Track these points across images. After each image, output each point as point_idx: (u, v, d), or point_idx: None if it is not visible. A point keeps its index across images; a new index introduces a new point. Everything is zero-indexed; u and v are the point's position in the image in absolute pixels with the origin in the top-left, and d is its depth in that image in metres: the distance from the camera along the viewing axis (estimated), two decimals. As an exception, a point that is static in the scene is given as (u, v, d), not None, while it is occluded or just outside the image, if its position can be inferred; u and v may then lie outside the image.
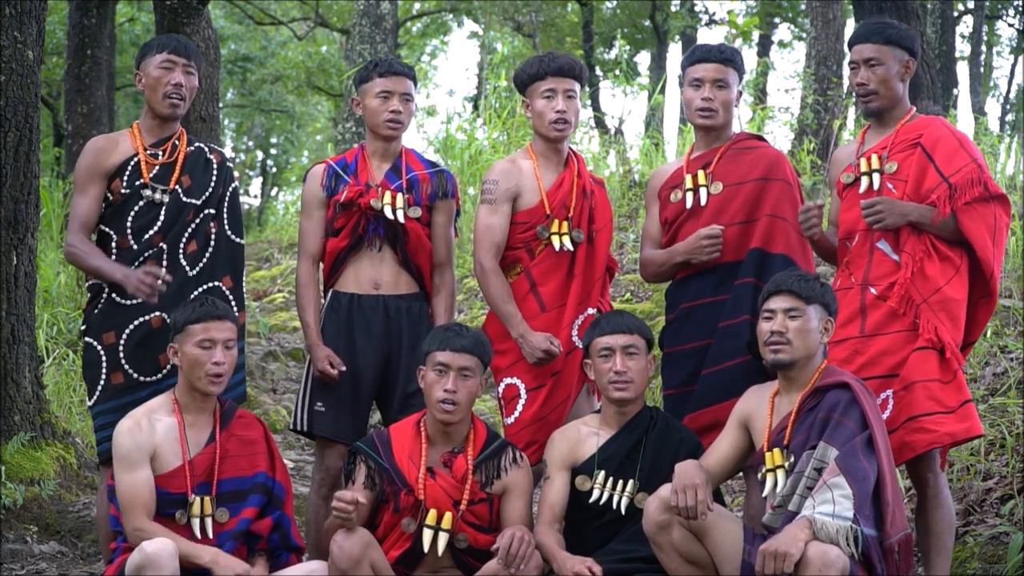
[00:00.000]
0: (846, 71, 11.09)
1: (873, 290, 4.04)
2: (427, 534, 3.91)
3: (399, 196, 4.41)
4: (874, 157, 4.14)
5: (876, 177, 4.11)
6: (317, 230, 4.46)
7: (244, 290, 4.48)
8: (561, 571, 3.80)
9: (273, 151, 28.10)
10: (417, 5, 23.36)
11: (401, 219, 4.39)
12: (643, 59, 24.45)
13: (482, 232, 4.38)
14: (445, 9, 22.02)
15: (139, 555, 3.67)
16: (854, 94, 4.25)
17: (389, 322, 4.40)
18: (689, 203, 4.34)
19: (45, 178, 10.13)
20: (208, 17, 6.88)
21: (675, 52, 23.35)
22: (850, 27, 15.58)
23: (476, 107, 13.90)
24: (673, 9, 20.79)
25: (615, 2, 22.11)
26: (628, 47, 22.48)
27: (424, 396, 4.04)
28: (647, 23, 21.27)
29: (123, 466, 3.85)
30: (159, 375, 4.25)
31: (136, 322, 4.26)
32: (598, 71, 20.55)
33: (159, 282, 4.11)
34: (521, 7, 19.88)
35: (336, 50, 21.56)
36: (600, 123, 14.29)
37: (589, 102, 16.07)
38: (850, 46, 4.23)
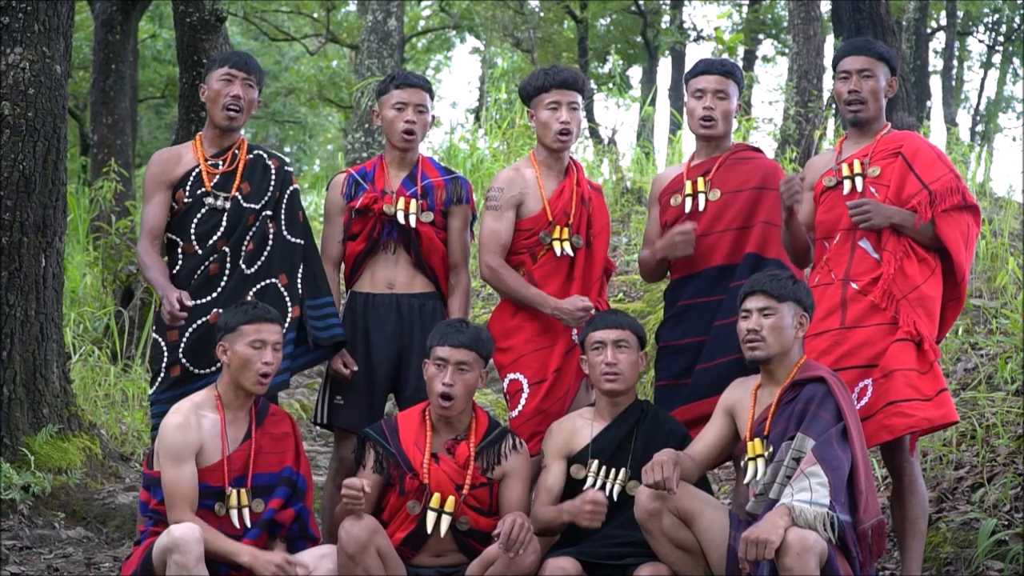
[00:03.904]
0: (827, 84, 11.12)
1: (854, 285, 4.05)
2: (431, 516, 3.92)
3: (413, 202, 4.40)
4: (856, 163, 4.15)
5: (859, 181, 4.12)
6: (337, 235, 4.47)
7: (299, 286, 4.42)
8: (574, 513, 3.81)
9: (286, 160, 28.10)
10: (422, 22, 23.38)
11: (413, 224, 4.39)
12: (635, 73, 24.50)
13: (488, 236, 4.38)
14: (448, 26, 22.02)
15: (166, 538, 3.67)
16: (842, 102, 4.20)
17: (401, 320, 4.40)
18: (688, 208, 4.35)
19: (72, 185, 10.15)
20: (225, 34, 6.88)
21: (665, 66, 23.36)
22: (830, 43, 15.59)
23: (478, 118, 13.90)
24: (663, 26, 20.80)
25: (609, 19, 22.13)
26: (621, 62, 22.51)
27: (427, 388, 4.05)
28: (639, 39, 21.29)
29: (169, 460, 3.81)
30: (213, 368, 4.26)
31: (198, 322, 4.27)
32: (593, 84, 20.56)
33: (180, 312, 4.12)
34: (520, 24, 19.89)
35: (346, 64, 21.56)
36: (594, 133, 14.29)
37: (584, 113, 16.07)
38: (842, 57, 4.22)
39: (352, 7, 21.35)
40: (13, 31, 5.18)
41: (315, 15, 20.55)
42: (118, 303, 7.60)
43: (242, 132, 4.53)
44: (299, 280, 4.40)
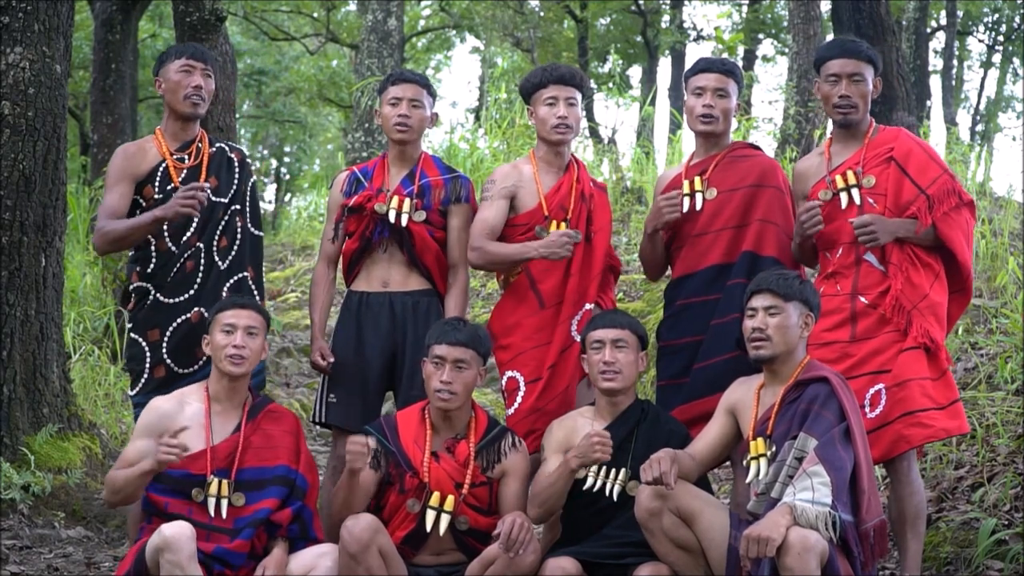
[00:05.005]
0: (826, 84, 11.10)
1: (863, 299, 4.05)
2: (430, 515, 3.92)
3: (407, 201, 4.41)
4: (849, 173, 4.13)
5: (856, 192, 4.11)
6: (332, 233, 4.49)
7: (263, 281, 4.52)
8: (581, 449, 3.81)
9: (287, 159, 28.09)
10: (422, 22, 23.37)
11: (404, 223, 4.39)
12: (635, 73, 24.49)
13: (477, 223, 4.40)
14: (448, 25, 22.02)
15: (157, 537, 3.67)
16: (830, 105, 4.18)
17: (395, 318, 4.40)
18: (686, 207, 4.34)
19: (72, 185, 10.13)
20: (225, 33, 6.87)
21: (665, 66, 23.37)
22: (830, 43, 15.53)
23: (478, 118, 13.90)
24: (663, 26, 20.80)
25: (609, 19, 22.12)
26: (621, 61, 22.50)
27: (425, 386, 4.05)
28: (639, 39, 21.29)
29: (136, 433, 3.94)
30: (196, 367, 4.29)
31: (179, 320, 4.31)
32: (593, 84, 20.55)
33: (201, 193, 4.11)
34: (520, 24, 19.89)
35: (346, 64, 21.55)
36: (594, 133, 14.29)
37: (584, 113, 16.07)
38: (828, 59, 4.19)
39: (352, 7, 21.34)
40: (13, 31, 5.18)
41: (315, 15, 20.55)
42: (118, 303, 7.60)
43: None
44: (262, 274, 4.48)
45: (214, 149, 4.48)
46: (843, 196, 4.13)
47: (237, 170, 4.48)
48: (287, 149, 27.65)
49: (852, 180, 4.12)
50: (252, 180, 4.55)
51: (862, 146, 4.16)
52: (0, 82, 5.16)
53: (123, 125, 11.06)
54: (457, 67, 50.47)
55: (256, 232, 4.51)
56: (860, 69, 4.14)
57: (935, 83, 21.48)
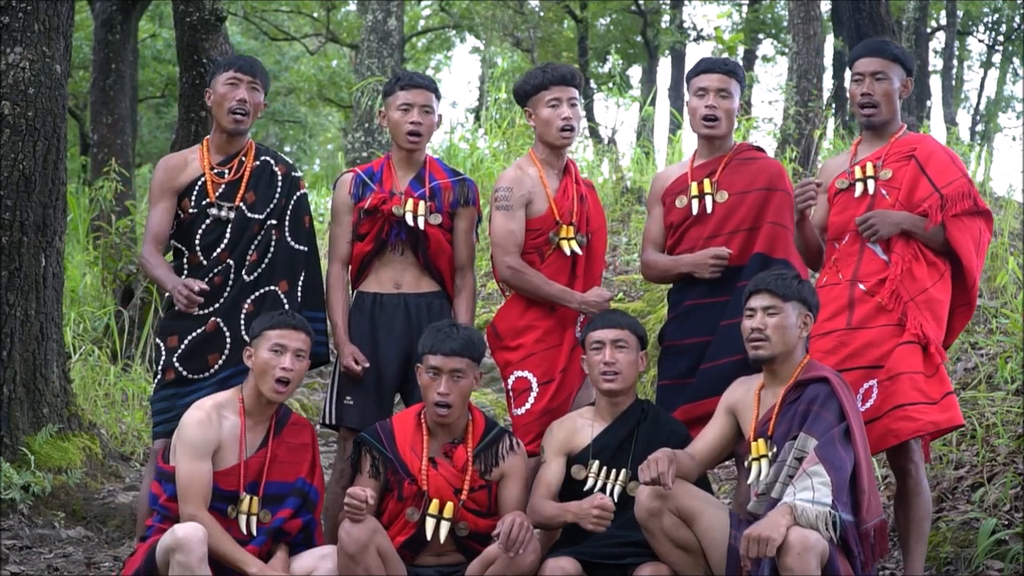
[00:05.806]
0: (826, 84, 11.12)
1: (862, 286, 4.05)
2: (430, 523, 3.91)
3: (421, 203, 4.37)
4: (869, 165, 4.15)
5: (871, 183, 4.12)
6: (346, 235, 4.43)
7: (299, 295, 4.39)
8: (580, 515, 3.78)
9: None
10: (422, 22, 23.39)
11: (421, 226, 4.37)
12: (635, 73, 24.50)
13: (504, 237, 4.33)
14: (448, 26, 22.04)
15: (170, 537, 3.67)
16: (855, 105, 4.19)
17: (410, 319, 4.37)
18: (695, 210, 4.31)
19: (72, 185, 10.14)
20: (225, 33, 6.88)
21: (665, 66, 23.39)
22: (830, 43, 15.58)
23: (478, 118, 13.90)
24: (663, 26, 20.81)
25: (609, 19, 22.14)
26: (621, 61, 22.51)
27: (422, 394, 4.05)
28: (639, 39, 21.31)
29: (187, 454, 3.84)
30: (207, 373, 4.27)
31: (197, 331, 4.26)
32: (592, 84, 20.60)
33: (195, 294, 4.08)
34: (520, 24, 19.91)
35: (346, 64, 21.57)
36: (594, 133, 14.29)
37: (584, 113, 16.07)
38: (856, 59, 4.21)
39: (352, 7, 21.36)
40: (13, 31, 5.18)
41: (315, 15, 20.58)
42: (118, 303, 7.60)
43: (248, 134, 4.50)
44: (299, 288, 4.40)
45: (258, 163, 4.40)
46: (858, 186, 4.14)
47: (279, 184, 4.41)
48: (287, 149, 27.62)
49: (870, 172, 4.13)
50: (299, 194, 4.45)
51: (887, 144, 4.17)
52: (0, 82, 5.16)
53: (123, 125, 11.07)
54: (457, 67, 50.48)
55: (296, 246, 4.40)
56: (884, 67, 4.13)
57: (935, 83, 21.52)
